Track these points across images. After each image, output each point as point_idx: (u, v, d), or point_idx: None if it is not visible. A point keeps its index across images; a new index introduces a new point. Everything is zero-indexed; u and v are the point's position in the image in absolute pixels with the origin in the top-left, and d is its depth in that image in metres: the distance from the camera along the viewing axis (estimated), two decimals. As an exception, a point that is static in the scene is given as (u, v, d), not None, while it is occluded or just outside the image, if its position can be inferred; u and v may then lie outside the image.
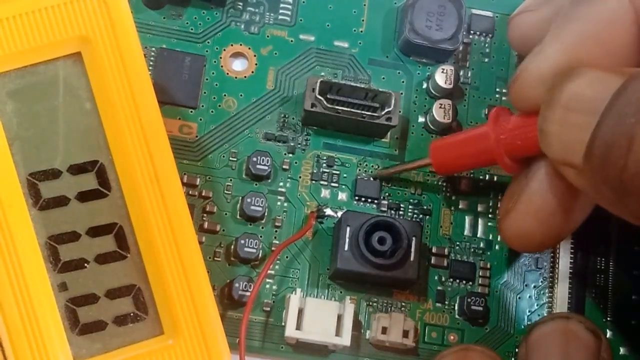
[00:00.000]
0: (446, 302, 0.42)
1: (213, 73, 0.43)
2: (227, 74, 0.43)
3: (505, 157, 0.37)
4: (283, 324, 0.40)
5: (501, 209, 0.39)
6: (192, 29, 0.43)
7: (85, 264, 0.35)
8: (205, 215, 0.41)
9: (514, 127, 0.36)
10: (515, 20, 0.41)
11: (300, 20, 0.44)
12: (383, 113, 0.41)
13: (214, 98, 0.43)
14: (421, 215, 0.43)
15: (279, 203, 0.42)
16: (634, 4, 0.34)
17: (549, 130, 0.33)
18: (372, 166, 0.43)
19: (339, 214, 0.42)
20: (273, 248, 0.41)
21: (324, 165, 0.43)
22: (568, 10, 0.35)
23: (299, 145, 0.43)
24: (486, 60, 0.45)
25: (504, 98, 0.45)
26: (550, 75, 0.34)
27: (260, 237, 0.41)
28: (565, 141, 0.32)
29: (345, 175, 0.43)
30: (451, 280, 0.42)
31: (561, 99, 0.32)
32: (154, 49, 0.43)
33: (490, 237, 0.43)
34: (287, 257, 0.42)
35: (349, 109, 0.41)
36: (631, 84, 0.30)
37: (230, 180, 0.42)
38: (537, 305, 0.43)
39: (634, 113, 0.29)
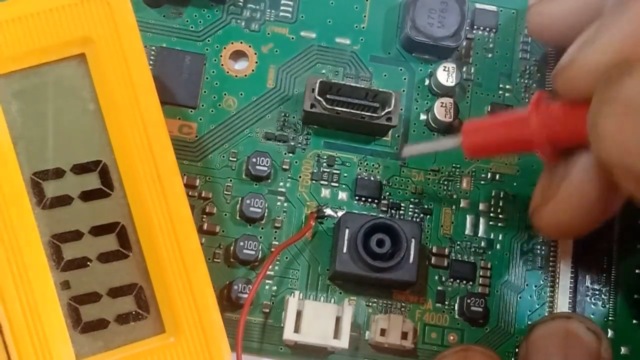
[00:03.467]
0: (446, 303, 0.42)
1: (213, 72, 0.43)
2: (227, 72, 0.43)
3: (548, 145, 0.35)
4: (282, 325, 0.40)
5: (536, 198, 0.37)
6: (192, 27, 0.43)
7: (88, 263, 0.35)
8: (204, 216, 0.41)
9: (558, 116, 0.35)
10: (537, 8, 0.40)
11: (302, 17, 0.44)
12: (383, 113, 0.41)
13: (214, 97, 0.43)
14: (422, 215, 0.43)
15: (278, 203, 0.42)
16: None
17: (604, 128, 0.30)
18: (373, 165, 0.43)
19: (339, 214, 0.42)
20: (272, 249, 0.41)
21: (325, 164, 0.43)
22: (621, 1, 0.33)
23: (299, 145, 0.43)
24: (489, 55, 0.45)
25: (507, 94, 0.44)
26: (603, 68, 0.32)
27: (260, 238, 0.41)
28: (623, 142, 0.30)
29: (345, 174, 0.43)
30: (451, 280, 0.42)
31: (619, 96, 0.30)
32: (153, 47, 0.43)
33: (492, 236, 0.43)
34: (286, 257, 0.42)
35: (348, 110, 0.41)
36: None
37: (230, 180, 0.42)
38: (537, 305, 0.42)
39: None
